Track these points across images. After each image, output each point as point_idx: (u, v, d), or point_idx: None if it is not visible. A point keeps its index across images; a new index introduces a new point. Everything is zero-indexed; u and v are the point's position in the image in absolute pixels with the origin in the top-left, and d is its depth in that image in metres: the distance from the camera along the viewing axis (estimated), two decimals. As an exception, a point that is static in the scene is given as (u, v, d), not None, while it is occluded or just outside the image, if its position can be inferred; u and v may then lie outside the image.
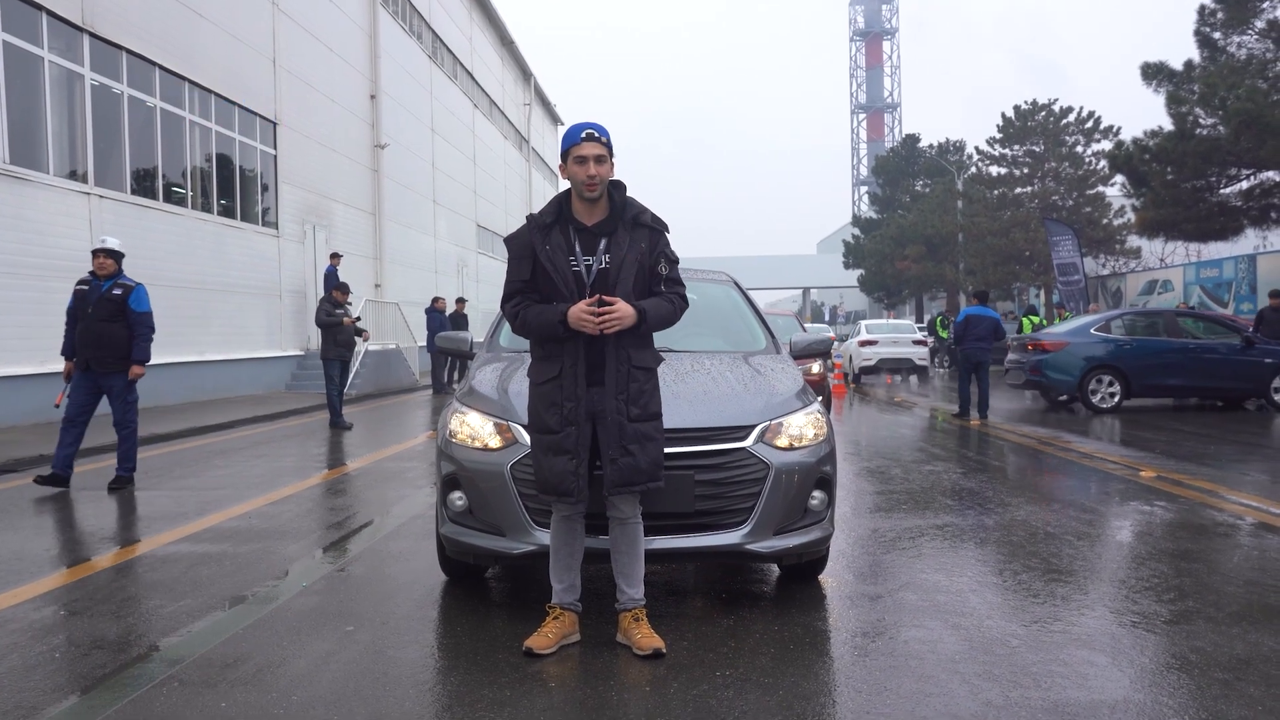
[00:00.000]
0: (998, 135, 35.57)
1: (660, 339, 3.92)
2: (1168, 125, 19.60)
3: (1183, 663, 3.45)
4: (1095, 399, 13.73)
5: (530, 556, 3.86)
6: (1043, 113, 34.60)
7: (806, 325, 14.51)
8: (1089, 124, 33.95)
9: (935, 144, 45.54)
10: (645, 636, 3.55)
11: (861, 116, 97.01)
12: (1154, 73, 20.01)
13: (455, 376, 19.72)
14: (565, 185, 3.69)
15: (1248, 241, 24.04)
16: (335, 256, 18.38)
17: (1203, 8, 19.78)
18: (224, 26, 16.86)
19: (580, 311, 3.46)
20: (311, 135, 20.37)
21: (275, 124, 18.72)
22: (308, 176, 20.17)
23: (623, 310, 3.48)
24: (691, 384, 4.22)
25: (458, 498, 4.03)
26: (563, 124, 50.31)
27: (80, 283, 7.52)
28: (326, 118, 21.24)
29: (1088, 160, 33.91)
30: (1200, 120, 18.96)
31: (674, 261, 3.72)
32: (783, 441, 4.00)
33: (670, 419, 3.76)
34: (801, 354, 5.13)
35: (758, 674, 3.36)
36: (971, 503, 6.69)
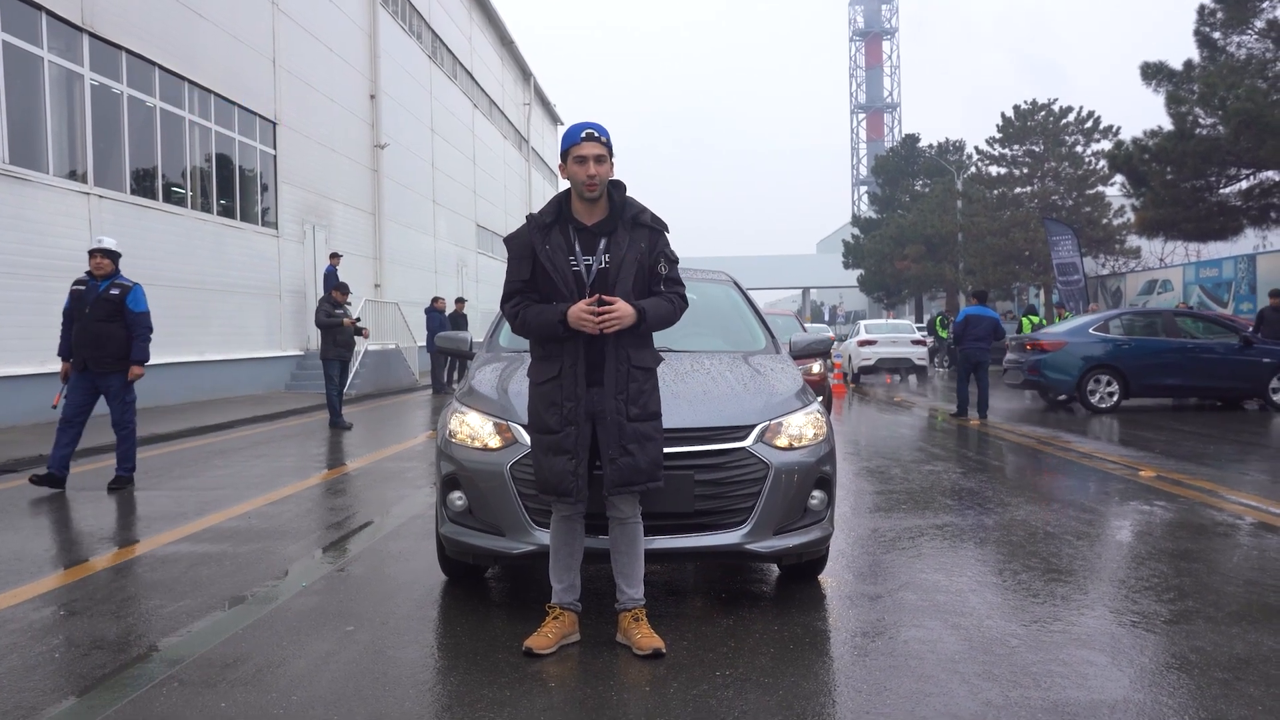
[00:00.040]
0: (997, 135, 35.59)
1: (660, 339, 3.92)
2: (1167, 125, 19.62)
3: (1182, 662, 3.46)
4: (1094, 399, 13.73)
5: (530, 556, 3.86)
6: (1042, 112, 34.62)
7: (806, 325, 14.51)
8: (1089, 124, 33.97)
9: (935, 144, 45.56)
10: (645, 636, 3.55)
11: (861, 116, 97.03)
12: (1154, 72, 20.01)
13: (455, 376, 19.72)
14: (565, 185, 3.69)
15: (1247, 241, 24.05)
16: (335, 256, 18.39)
17: (1202, 7, 19.79)
18: (224, 26, 16.86)
19: (580, 311, 3.46)
20: (311, 135, 20.37)
21: (275, 124, 18.72)
22: (307, 176, 20.17)
23: (622, 310, 3.48)
24: (691, 384, 4.22)
25: (457, 498, 4.03)
26: (562, 124, 50.31)
27: (77, 283, 7.49)
28: (326, 118, 21.24)
29: (1087, 160, 33.93)
30: (1200, 120, 18.98)
31: (673, 261, 3.72)
32: (782, 441, 4.00)
33: (670, 419, 3.76)
34: (801, 354, 5.13)
35: (757, 674, 3.36)
36: (971, 502, 6.69)
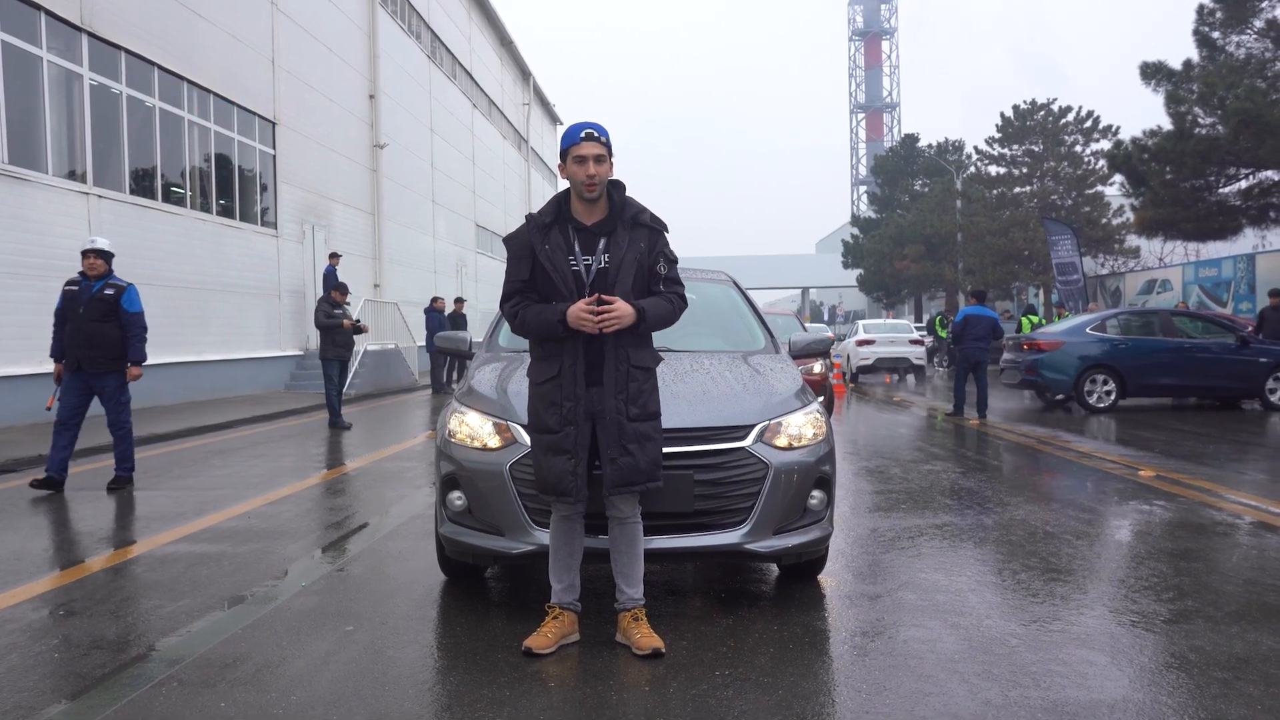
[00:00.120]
0: (997, 135, 35.58)
1: (659, 339, 3.92)
2: (1167, 125, 19.62)
3: (1182, 662, 3.46)
4: (1091, 399, 13.74)
5: (529, 556, 3.86)
6: (1042, 112, 34.61)
7: (806, 325, 14.52)
8: (1088, 123, 33.96)
9: (934, 144, 45.55)
10: (644, 636, 3.55)
11: (860, 116, 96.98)
12: (1153, 72, 20.02)
13: (454, 376, 19.72)
14: (564, 185, 3.69)
15: (1246, 241, 24.05)
16: (334, 256, 18.38)
17: (1202, 7, 19.80)
18: (223, 26, 16.85)
19: (579, 311, 3.46)
20: (310, 135, 20.37)
21: (274, 124, 18.72)
22: (307, 176, 20.16)
23: (622, 309, 3.48)
24: (690, 384, 4.22)
25: (457, 497, 4.03)
26: (562, 124, 50.30)
27: (69, 283, 7.46)
28: (325, 118, 21.23)
29: (1087, 160, 33.91)
30: (1199, 120, 18.98)
31: (673, 261, 3.72)
32: (782, 441, 4.00)
33: (669, 419, 3.76)
34: (800, 353, 5.13)
35: (757, 673, 3.36)
36: (970, 502, 6.69)
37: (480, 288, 33.95)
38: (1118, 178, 23.90)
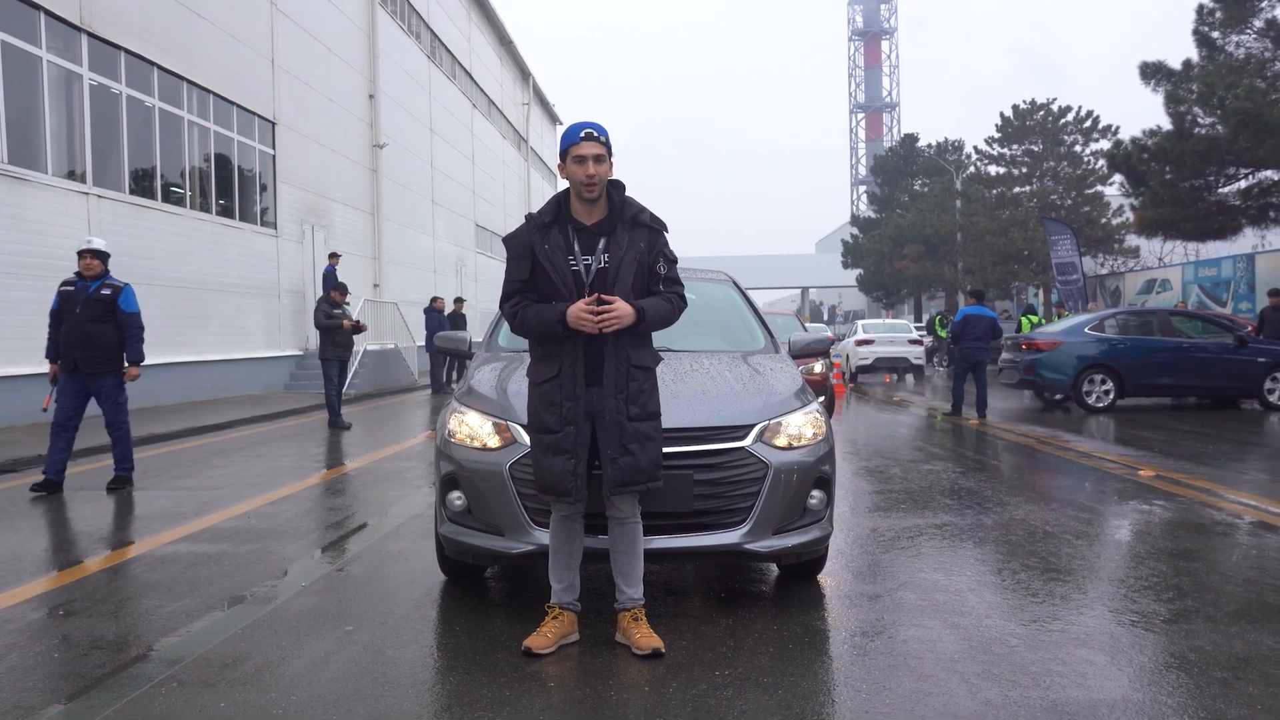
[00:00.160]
0: (996, 135, 35.58)
1: (659, 338, 3.92)
2: (1166, 124, 19.62)
3: (1181, 662, 3.46)
4: (1089, 398, 13.74)
5: (529, 556, 3.86)
6: (1041, 112, 34.62)
7: (806, 325, 14.53)
8: (1088, 123, 33.97)
9: (934, 143, 45.55)
10: (644, 636, 3.55)
11: (860, 116, 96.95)
12: (1153, 72, 20.02)
13: (454, 376, 19.71)
14: (564, 185, 3.69)
15: (1246, 241, 24.06)
16: (334, 256, 18.37)
17: (1201, 7, 19.80)
18: (222, 26, 16.85)
19: (579, 311, 3.46)
20: (310, 135, 20.36)
21: (274, 124, 18.71)
22: (306, 176, 20.16)
23: (621, 309, 3.48)
24: (690, 383, 4.22)
25: (456, 497, 4.03)
26: (561, 123, 50.29)
27: (65, 284, 7.42)
28: (325, 117, 21.23)
29: (1086, 159, 33.92)
30: (1199, 119, 18.98)
31: (673, 261, 3.72)
32: (781, 441, 4.00)
33: (669, 418, 3.76)
34: (800, 353, 5.13)
35: (757, 673, 3.36)
36: (970, 502, 6.69)
37: (480, 287, 33.95)
38: (1117, 177, 23.90)
